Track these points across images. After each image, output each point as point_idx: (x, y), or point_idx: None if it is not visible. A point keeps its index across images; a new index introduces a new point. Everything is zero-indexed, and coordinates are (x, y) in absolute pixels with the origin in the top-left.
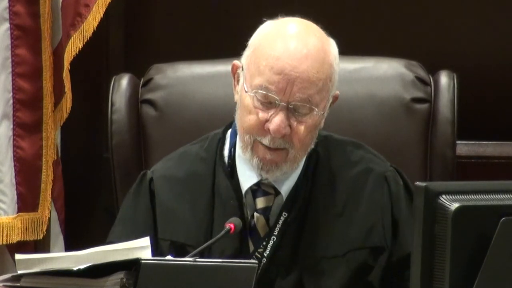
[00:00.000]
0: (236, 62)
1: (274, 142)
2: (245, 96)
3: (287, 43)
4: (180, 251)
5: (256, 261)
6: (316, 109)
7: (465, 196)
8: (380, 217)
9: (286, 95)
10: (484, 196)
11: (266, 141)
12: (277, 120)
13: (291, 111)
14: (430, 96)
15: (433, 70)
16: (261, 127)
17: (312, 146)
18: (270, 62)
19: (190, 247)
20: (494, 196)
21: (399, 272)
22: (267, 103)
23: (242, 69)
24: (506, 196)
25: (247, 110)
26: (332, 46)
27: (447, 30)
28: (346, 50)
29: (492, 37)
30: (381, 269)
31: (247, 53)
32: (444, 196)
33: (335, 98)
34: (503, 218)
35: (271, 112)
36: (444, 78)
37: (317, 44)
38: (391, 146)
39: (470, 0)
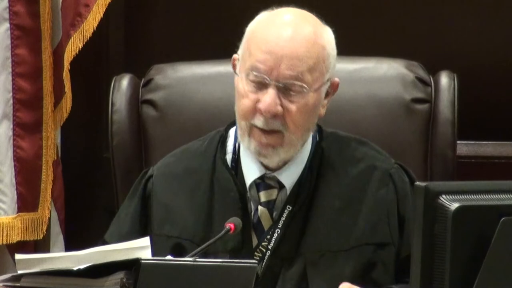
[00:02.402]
0: (235, 55)
1: (267, 123)
2: (238, 81)
3: (278, 28)
4: (177, 246)
5: (256, 262)
6: (307, 87)
7: (465, 196)
8: (386, 214)
9: (275, 73)
10: (484, 196)
11: (260, 123)
12: (267, 99)
13: (282, 90)
14: (431, 97)
15: (433, 71)
16: (254, 109)
17: (312, 133)
18: (260, 45)
19: (187, 241)
20: (494, 196)
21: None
22: (259, 84)
23: (239, 60)
24: (506, 196)
25: (241, 95)
26: (326, 32)
27: (447, 30)
28: (346, 50)
29: (492, 37)
30: (385, 266)
31: (242, 43)
32: (444, 196)
33: (335, 85)
34: (503, 218)
35: (263, 92)
36: (444, 79)
37: (308, 28)
38: (391, 146)
39: (470, 0)
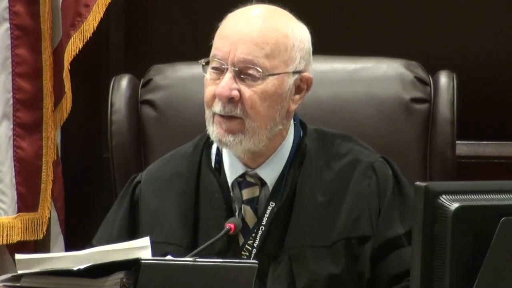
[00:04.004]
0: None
1: (224, 108)
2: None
3: (239, 17)
4: (165, 251)
5: (256, 261)
6: (262, 72)
7: (465, 196)
8: (368, 207)
9: (231, 57)
10: (484, 196)
11: (218, 108)
12: (222, 83)
13: (238, 74)
14: (430, 96)
15: (432, 70)
16: (214, 96)
17: (280, 126)
18: (220, 33)
19: (175, 246)
20: (494, 196)
21: (383, 256)
22: (219, 71)
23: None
24: (506, 196)
25: (206, 86)
26: (297, 26)
27: (447, 30)
28: (346, 50)
29: (492, 37)
30: (368, 258)
31: None
32: (444, 196)
33: (308, 81)
34: (503, 218)
35: (222, 78)
36: (443, 78)
37: (270, 16)
38: (390, 146)
39: (470, 0)
